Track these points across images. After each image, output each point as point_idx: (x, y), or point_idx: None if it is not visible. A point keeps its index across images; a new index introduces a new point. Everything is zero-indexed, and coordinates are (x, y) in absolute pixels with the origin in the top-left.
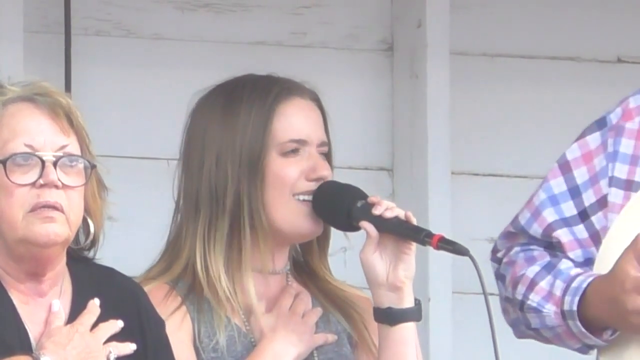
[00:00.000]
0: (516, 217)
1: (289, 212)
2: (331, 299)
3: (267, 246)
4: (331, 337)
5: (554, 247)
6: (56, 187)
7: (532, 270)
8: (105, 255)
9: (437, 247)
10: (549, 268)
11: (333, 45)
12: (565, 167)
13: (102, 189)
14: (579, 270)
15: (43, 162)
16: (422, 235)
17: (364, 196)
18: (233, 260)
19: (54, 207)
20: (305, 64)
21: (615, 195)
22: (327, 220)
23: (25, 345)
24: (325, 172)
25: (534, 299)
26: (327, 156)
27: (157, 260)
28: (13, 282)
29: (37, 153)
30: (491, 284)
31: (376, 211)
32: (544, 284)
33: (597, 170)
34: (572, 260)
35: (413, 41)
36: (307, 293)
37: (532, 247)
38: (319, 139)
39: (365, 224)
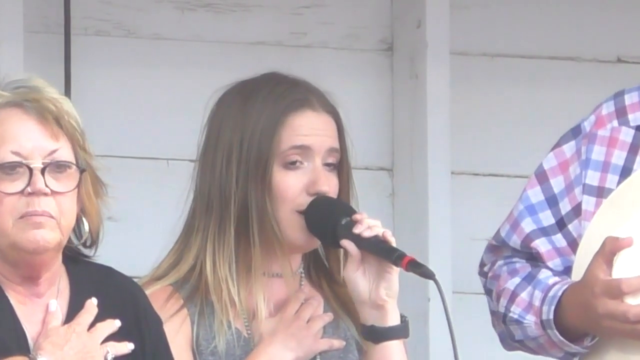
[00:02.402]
0: (498, 230)
1: (288, 224)
2: (344, 304)
3: (283, 252)
4: (337, 343)
5: (535, 258)
6: (45, 194)
7: (512, 282)
8: (105, 255)
9: (407, 269)
10: (529, 279)
11: (333, 45)
12: (542, 177)
13: (98, 187)
14: (556, 278)
15: (31, 170)
16: (394, 257)
17: (350, 213)
18: (241, 263)
19: (43, 215)
20: (305, 64)
21: (587, 202)
22: (317, 236)
23: (22, 346)
24: (325, 188)
25: (515, 311)
26: (340, 167)
27: (168, 254)
28: (10, 283)
29: (24, 161)
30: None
31: (356, 230)
32: (524, 295)
33: (572, 179)
34: (551, 269)
35: (413, 41)
36: (320, 297)
37: (514, 259)
38: (326, 146)
39: (346, 243)
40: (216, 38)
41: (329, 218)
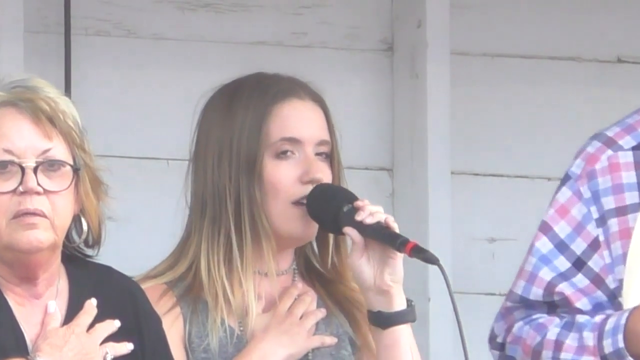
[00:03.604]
0: (510, 292)
1: (284, 216)
2: (337, 301)
3: (270, 248)
4: (329, 340)
5: (555, 307)
6: (37, 193)
7: (552, 333)
8: (105, 255)
9: (411, 255)
10: (568, 326)
11: (333, 45)
12: (545, 228)
13: (98, 187)
14: (601, 316)
15: (23, 168)
16: (397, 243)
17: (352, 199)
18: (235, 261)
19: (35, 214)
20: (305, 64)
21: (612, 225)
22: (319, 224)
23: (21, 348)
24: (319, 175)
25: (566, 357)
26: (331, 158)
27: (165, 258)
28: (8, 284)
29: (16, 160)
30: (489, 286)
31: (358, 217)
32: (570, 341)
33: (579, 219)
34: (580, 310)
35: (413, 41)
36: (313, 293)
37: (534, 317)
38: (316, 138)
39: (349, 230)
40: (216, 38)
41: (330, 205)
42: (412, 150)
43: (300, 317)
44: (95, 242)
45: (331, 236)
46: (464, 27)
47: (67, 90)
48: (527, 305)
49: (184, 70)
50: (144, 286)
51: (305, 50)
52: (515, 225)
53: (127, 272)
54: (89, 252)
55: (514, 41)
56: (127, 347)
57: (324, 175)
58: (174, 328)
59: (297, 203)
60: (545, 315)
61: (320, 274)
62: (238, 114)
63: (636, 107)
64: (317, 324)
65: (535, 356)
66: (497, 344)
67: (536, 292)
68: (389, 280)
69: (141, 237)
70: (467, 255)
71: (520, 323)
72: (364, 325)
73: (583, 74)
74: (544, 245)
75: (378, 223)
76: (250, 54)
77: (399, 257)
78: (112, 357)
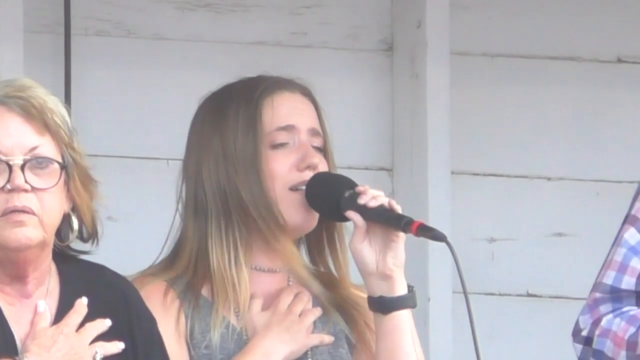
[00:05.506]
0: (599, 282)
1: (282, 203)
2: (332, 299)
3: (277, 242)
4: (327, 338)
5: None
6: (25, 190)
7: None
8: (104, 255)
9: (417, 234)
10: None
11: (333, 45)
12: (632, 220)
13: (89, 183)
14: None
15: (10, 166)
16: (402, 223)
17: (353, 186)
18: (240, 257)
19: (24, 211)
20: (305, 64)
21: None
22: (319, 211)
23: (10, 348)
24: (315, 160)
25: None
26: (325, 151)
27: (161, 260)
28: None
29: (3, 158)
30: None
31: (361, 200)
32: None
33: None
34: None
35: (413, 41)
36: (308, 293)
37: (624, 309)
38: (309, 125)
39: (352, 214)
40: (216, 38)
41: (331, 192)
42: (412, 150)
43: (299, 315)
44: (90, 235)
45: (325, 236)
46: (464, 27)
47: (67, 90)
48: (615, 297)
49: (184, 70)
50: (144, 284)
51: (305, 50)
52: (515, 225)
53: (127, 272)
54: (86, 246)
55: (514, 41)
56: (117, 346)
57: (319, 160)
58: (178, 325)
59: (294, 189)
60: (634, 307)
61: (314, 273)
62: (230, 112)
63: (636, 107)
64: (314, 322)
65: (630, 347)
66: (581, 338)
67: (628, 281)
68: (391, 264)
69: (141, 237)
70: (467, 255)
71: (610, 316)
72: (360, 322)
73: (583, 74)
74: (632, 236)
75: (381, 206)
76: (250, 54)
77: (402, 240)
78: (102, 356)
